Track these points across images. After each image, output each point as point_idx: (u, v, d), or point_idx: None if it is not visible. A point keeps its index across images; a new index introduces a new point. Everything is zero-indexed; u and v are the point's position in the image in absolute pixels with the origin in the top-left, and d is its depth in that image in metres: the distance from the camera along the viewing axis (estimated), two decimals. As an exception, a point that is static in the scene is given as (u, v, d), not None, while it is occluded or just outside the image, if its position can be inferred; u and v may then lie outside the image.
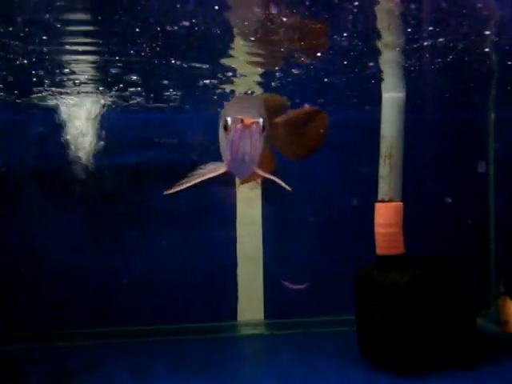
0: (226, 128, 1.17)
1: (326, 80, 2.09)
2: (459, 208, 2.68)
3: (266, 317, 2.64)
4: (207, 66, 1.88)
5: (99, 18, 1.44)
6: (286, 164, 1.55)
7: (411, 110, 2.17)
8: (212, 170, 1.24)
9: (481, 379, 1.96)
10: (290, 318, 2.62)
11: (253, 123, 1.12)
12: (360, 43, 1.70)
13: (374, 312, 2.03)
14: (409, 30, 1.59)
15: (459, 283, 2.07)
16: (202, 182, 1.23)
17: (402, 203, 2.03)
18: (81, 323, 2.51)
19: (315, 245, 2.60)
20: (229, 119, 1.15)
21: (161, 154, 2.56)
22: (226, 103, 1.30)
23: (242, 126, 1.12)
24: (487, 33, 1.63)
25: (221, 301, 2.61)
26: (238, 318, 2.63)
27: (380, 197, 2.06)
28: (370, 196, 2.10)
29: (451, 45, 1.73)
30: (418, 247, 2.19)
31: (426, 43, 1.72)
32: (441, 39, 1.66)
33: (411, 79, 2.09)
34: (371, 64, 1.95)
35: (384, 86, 2.08)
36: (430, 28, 1.58)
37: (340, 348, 2.27)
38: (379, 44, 1.76)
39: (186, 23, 1.41)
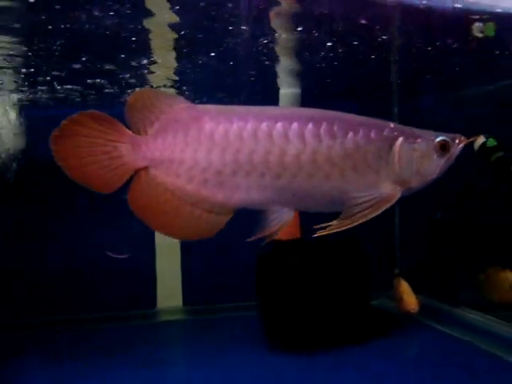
0: (444, 149, 1.14)
1: (226, 76, 2.19)
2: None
3: (184, 304, 2.75)
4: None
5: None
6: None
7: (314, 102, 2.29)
8: (387, 200, 1.12)
9: (374, 353, 2.11)
10: (206, 304, 2.73)
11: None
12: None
13: (273, 294, 2.17)
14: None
15: (353, 265, 2.22)
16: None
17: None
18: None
19: (227, 234, 2.71)
20: (449, 139, 1.14)
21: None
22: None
23: (463, 144, 1.15)
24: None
25: (140, 290, 2.70)
26: (158, 306, 2.73)
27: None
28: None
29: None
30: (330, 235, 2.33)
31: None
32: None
33: (309, 72, 2.22)
34: (267, 63, 2.07)
35: (280, 82, 2.20)
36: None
37: (249, 331, 2.40)
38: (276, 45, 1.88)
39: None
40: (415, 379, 1.89)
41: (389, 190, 1.11)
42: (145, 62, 1.98)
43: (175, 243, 2.72)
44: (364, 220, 1.08)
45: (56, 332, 2.52)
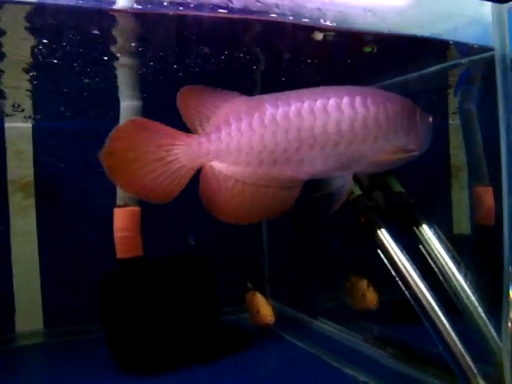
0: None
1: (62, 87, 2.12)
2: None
3: (45, 326, 2.63)
4: None
5: None
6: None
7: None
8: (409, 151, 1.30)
9: (220, 371, 2.05)
10: (68, 326, 2.62)
11: None
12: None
13: (115, 313, 2.09)
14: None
15: (199, 281, 2.17)
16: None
17: (138, 208, 2.09)
18: None
19: (86, 251, 2.63)
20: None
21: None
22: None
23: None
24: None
25: (-3, 313, 2.57)
26: (17, 330, 2.60)
27: (118, 202, 2.11)
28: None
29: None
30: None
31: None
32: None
33: (150, 86, 2.17)
34: (105, 72, 2.01)
35: (120, 94, 2.13)
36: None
37: (103, 352, 2.30)
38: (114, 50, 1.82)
39: None
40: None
41: (414, 147, 1.30)
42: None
43: (34, 262, 2.61)
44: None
45: None
